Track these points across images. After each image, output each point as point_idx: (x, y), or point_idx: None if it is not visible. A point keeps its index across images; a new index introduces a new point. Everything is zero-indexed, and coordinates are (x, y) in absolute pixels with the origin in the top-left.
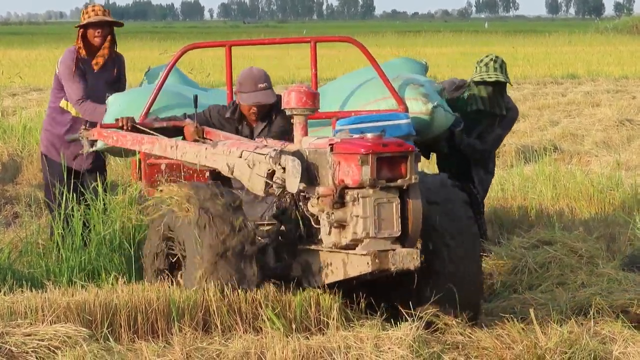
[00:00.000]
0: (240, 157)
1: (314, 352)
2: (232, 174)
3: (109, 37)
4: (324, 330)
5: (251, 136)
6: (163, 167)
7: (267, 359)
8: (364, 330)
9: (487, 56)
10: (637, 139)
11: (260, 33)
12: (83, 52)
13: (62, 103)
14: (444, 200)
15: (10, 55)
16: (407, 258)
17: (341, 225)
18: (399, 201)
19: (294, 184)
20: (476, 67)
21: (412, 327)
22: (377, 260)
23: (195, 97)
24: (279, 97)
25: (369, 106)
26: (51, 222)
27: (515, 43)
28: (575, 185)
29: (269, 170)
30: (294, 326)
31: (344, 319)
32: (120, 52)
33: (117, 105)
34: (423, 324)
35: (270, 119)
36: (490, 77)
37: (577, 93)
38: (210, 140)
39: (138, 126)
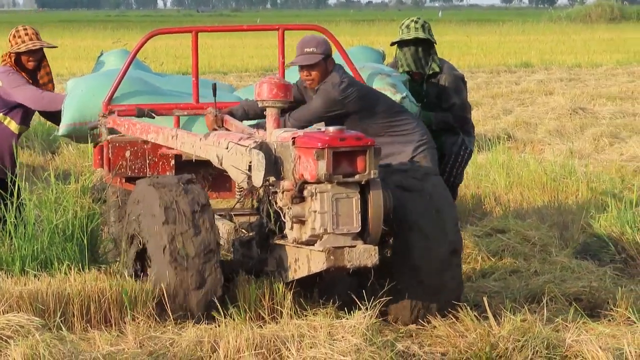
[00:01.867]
0: (227, 148)
1: (267, 341)
2: (221, 165)
3: (44, 62)
4: (277, 319)
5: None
6: (127, 154)
7: (220, 348)
8: (317, 319)
9: (409, 18)
10: (590, 127)
11: (214, 22)
12: (22, 74)
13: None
14: (425, 191)
15: None
16: (364, 255)
17: (301, 220)
18: (359, 196)
19: (258, 178)
20: (399, 31)
21: (365, 316)
22: (332, 257)
23: (214, 86)
24: (327, 62)
25: None
26: (3, 211)
27: (469, 32)
28: (529, 174)
29: (249, 162)
30: (247, 315)
31: (297, 308)
32: (74, 41)
33: (79, 90)
34: (376, 313)
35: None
36: (410, 35)
37: (530, 82)
38: (227, 129)
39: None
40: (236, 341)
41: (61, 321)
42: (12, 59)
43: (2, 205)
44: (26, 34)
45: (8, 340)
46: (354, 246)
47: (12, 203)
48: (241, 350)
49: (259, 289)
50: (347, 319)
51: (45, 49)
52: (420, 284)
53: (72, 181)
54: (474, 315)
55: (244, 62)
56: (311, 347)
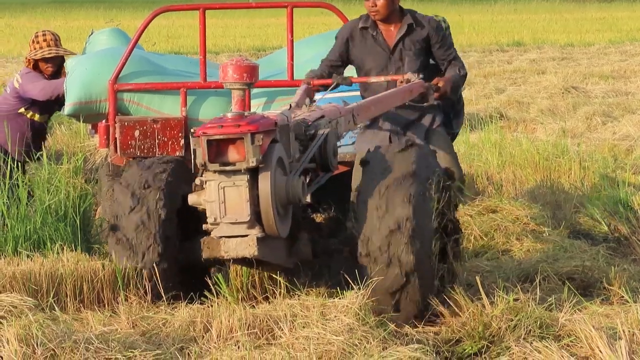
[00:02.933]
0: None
1: (260, 321)
2: None
3: (64, 68)
4: (270, 299)
5: (387, 47)
6: (137, 133)
7: (213, 328)
8: (310, 298)
9: None
10: (582, 106)
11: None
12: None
13: (22, 111)
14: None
15: None
16: (242, 246)
17: (203, 209)
18: (248, 185)
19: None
20: None
21: (357, 296)
22: (208, 248)
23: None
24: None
25: (346, 73)
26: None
27: (462, 11)
28: (521, 153)
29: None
30: (240, 295)
31: (290, 288)
32: (65, 22)
33: (83, 68)
34: (369, 293)
35: (410, 28)
36: None
37: (522, 61)
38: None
39: None
40: (229, 321)
41: (54, 301)
42: (31, 64)
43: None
44: (44, 40)
45: (1, 320)
46: (245, 236)
47: (4, 184)
48: (234, 330)
49: (251, 270)
50: (339, 298)
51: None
52: (368, 256)
53: (65, 161)
54: (467, 295)
55: (236, 42)
56: (304, 327)
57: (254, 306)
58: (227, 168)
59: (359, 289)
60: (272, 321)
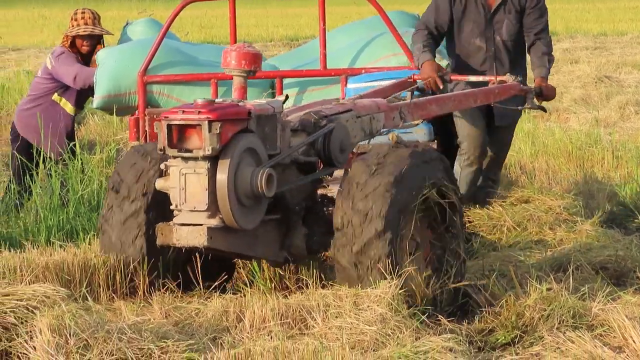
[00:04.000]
0: None
1: (292, 311)
2: None
3: (99, 47)
4: (303, 288)
5: (488, 9)
6: None
7: (246, 318)
8: (342, 288)
9: None
10: (615, 95)
11: None
12: (76, 56)
13: (55, 97)
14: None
15: None
16: (192, 235)
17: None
18: (208, 173)
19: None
20: None
21: (390, 286)
22: (162, 234)
23: None
24: None
25: (380, 63)
26: (29, 182)
27: None
28: (554, 143)
29: None
30: (273, 285)
31: (323, 278)
32: (99, 12)
33: (112, 61)
34: (402, 283)
35: None
36: None
37: (555, 50)
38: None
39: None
40: (262, 311)
41: (87, 291)
42: (69, 40)
43: (28, 176)
44: (82, 18)
45: (34, 310)
46: (200, 225)
47: (37, 174)
48: (267, 319)
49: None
50: (372, 288)
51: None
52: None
53: (97, 151)
54: (500, 284)
55: (269, 32)
56: (336, 317)
57: (286, 296)
58: (185, 154)
59: (392, 279)
60: (305, 311)
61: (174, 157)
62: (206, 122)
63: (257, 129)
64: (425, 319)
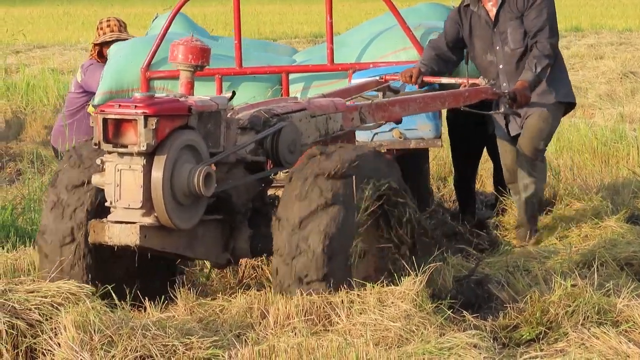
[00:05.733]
0: None
1: (317, 307)
2: None
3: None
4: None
5: (490, 21)
6: None
7: (270, 315)
8: (367, 285)
9: None
10: None
11: None
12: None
13: (90, 109)
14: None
15: (13, 12)
16: (125, 233)
17: None
18: (143, 170)
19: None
20: None
21: (415, 282)
22: (94, 232)
23: None
24: None
25: (388, 57)
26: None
27: None
28: (579, 139)
29: None
30: None
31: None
32: (123, 9)
33: (118, 56)
34: (426, 279)
35: None
36: None
37: (580, 46)
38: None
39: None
40: (286, 307)
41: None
42: (96, 51)
43: None
44: (107, 26)
45: (59, 307)
46: (133, 223)
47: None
48: (291, 316)
49: None
50: (396, 285)
51: None
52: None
53: None
54: (525, 280)
55: (293, 29)
56: (361, 313)
57: (311, 293)
58: (120, 150)
59: (416, 275)
60: (329, 307)
61: (109, 153)
62: (142, 117)
63: (198, 126)
64: (451, 315)
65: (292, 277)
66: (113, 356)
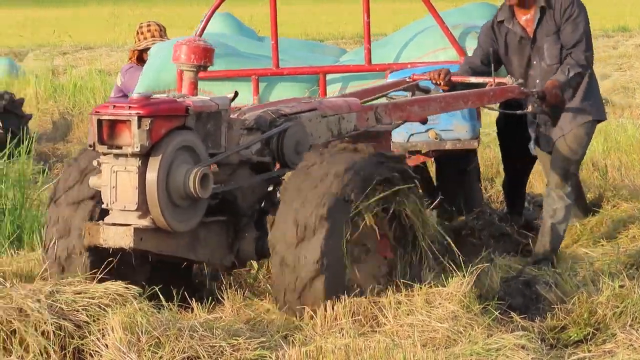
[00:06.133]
0: None
1: (364, 308)
2: None
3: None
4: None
5: (527, 36)
6: None
7: (317, 316)
8: (414, 286)
9: None
10: None
11: None
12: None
13: None
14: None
15: (59, 14)
16: (119, 236)
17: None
18: (139, 171)
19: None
20: None
21: (462, 283)
22: (89, 234)
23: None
24: None
25: (427, 57)
26: None
27: None
28: (627, 139)
29: None
30: None
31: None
32: (168, 9)
33: (157, 57)
34: (473, 280)
35: (542, 10)
36: None
37: (628, 46)
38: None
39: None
40: (333, 308)
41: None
42: (135, 55)
43: None
44: (148, 31)
45: (106, 308)
46: (129, 225)
47: None
48: (338, 317)
49: None
50: (444, 286)
51: None
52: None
53: None
54: (572, 281)
55: (339, 30)
56: (408, 314)
57: (358, 294)
58: (115, 151)
59: (464, 276)
60: (376, 308)
61: (105, 154)
62: (136, 117)
63: (197, 127)
64: (498, 316)
65: (290, 287)
66: (160, 357)
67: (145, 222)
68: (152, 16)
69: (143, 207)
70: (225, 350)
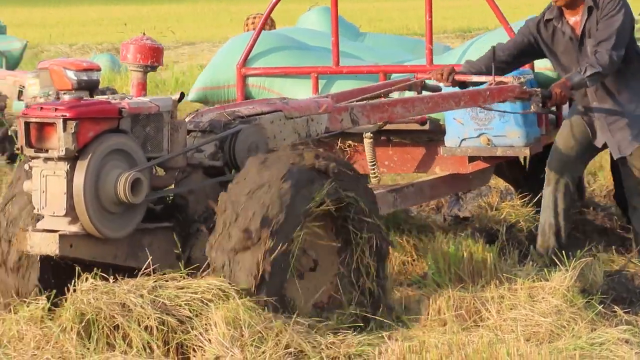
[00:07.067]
0: None
1: (467, 302)
2: None
3: None
4: (477, 280)
5: (575, 36)
6: None
7: (421, 309)
8: (517, 280)
9: None
10: None
11: None
12: None
13: None
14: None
15: (159, 9)
16: (44, 242)
17: None
18: (67, 176)
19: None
20: None
21: (565, 277)
22: (17, 241)
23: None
24: None
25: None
26: None
27: None
28: None
29: None
30: (448, 277)
31: (497, 270)
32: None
33: (219, 52)
34: (577, 274)
35: (589, 10)
36: None
37: None
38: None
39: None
40: (437, 302)
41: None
42: None
43: None
44: (252, 22)
45: (209, 303)
46: (56, 231)
47: None
48: (441, 311)
49: (458, 252)
50: (547, 280)
51: None
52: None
53: None
54: None
55: (438, 24)
56: (511, 309)
57: (461, 289)
58: (41, 155)
59: (567, 270)
60: (479, 303)
61: (32, 158)
62: (61, 120)
63: (133, 129)
64: (602, 310)
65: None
66: (263, 352)
67: (74, 229)
68: (254, 12)
69: (72, 213)
70: (329, 346)
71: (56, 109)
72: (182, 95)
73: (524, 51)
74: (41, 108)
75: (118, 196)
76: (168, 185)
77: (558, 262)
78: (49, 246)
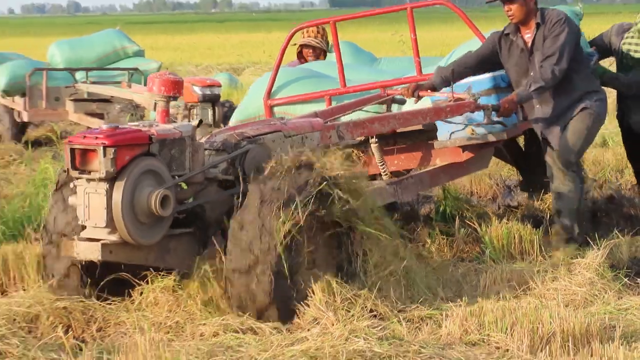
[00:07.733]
0: None
1: (517, 275)
2: None
3: (321, 57)
4: (525, 257)
5: (526, 49)
6: None
7: (480, 281)
8: (558, 257)
9: None
10: None
11: None
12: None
13: None
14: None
15: (271, 37)
16: (89, 250)
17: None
18: (107, 193)
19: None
20: None
21: (597, 255)
22: (65, 247)
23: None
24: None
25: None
26: None
27: None
28: None
29: None
30: (501, 254)
31: (542, 249)
32: (356, 35)
33: (253, 91)
34: (607, 252)
35: (537, 26)
36: None
37: None
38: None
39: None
40: (492, 275)
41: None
42: (297, 50)
43: None
44: (306, 30)
45: None
46: (99, 240)
47: None
48: (496, 282)
49: (510, 234)
50: (582, 257)
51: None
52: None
53: None
54: None
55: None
56: (553, 281)
57: (512, 264)
58: (84, 176)
59: (599, 249)
60: (527, 276)
61: (77, 178)
62: (101, 147)
63: (161, 153)
64: (627, 282)
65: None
66: (352, 315)
67: (113, 238)
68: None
69: (111, 225)
70: (404, 308)
71: (97, 138)
72: (201, 121)
73: (485, 60)
74: (84, 137)
75: (150, 210)
76: (190, 197)
77: (591, 242)
78: (92, 253)
